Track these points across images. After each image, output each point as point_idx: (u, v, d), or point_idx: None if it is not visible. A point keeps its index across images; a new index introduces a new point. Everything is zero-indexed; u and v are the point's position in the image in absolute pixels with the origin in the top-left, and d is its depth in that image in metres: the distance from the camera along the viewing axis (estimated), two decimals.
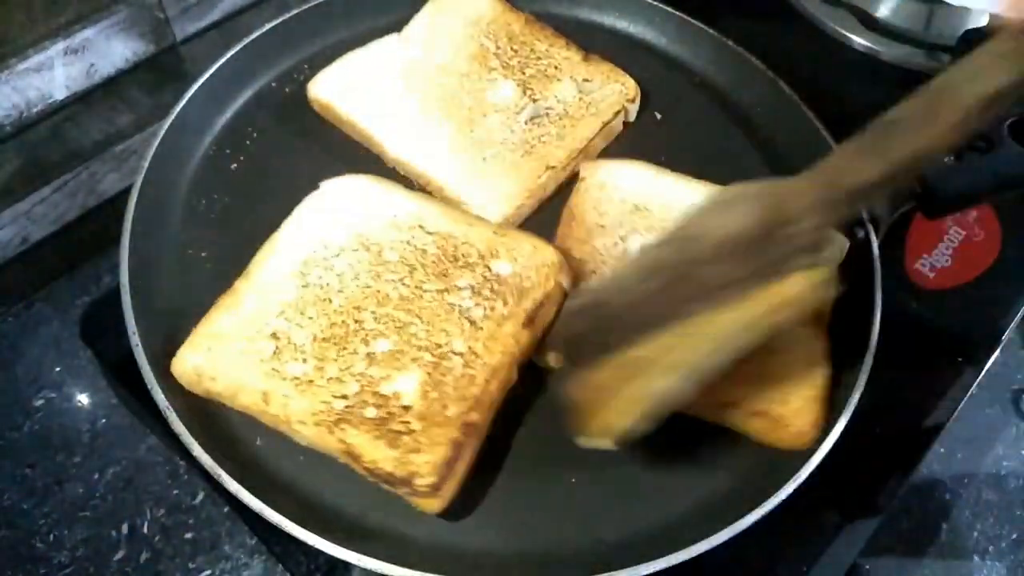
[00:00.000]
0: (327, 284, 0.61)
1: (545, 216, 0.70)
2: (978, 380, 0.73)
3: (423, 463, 0.53)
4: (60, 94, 0.71)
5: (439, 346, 0.58)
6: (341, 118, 0.72)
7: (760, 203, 0.51)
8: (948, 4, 0.79)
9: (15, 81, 0.68)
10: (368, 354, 0.57)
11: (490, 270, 0.61)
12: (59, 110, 0.72)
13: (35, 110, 0.71)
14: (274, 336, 0.58)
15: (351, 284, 0.60)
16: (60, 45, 0.69)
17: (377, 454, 0.53)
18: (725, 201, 0.53)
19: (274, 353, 0.58)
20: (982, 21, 0.82)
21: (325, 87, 0.72)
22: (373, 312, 0.59)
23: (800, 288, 0.50)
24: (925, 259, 0.79)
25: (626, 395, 0.50)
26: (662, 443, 0.59)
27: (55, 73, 0.70)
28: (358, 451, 0.54)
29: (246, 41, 0.73)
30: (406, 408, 0.55)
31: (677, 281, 0.51)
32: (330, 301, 0.60)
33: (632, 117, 0.76)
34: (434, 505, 0.53)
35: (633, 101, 0.75)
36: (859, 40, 0.87)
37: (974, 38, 0.77)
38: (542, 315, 0.59)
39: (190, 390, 0.57)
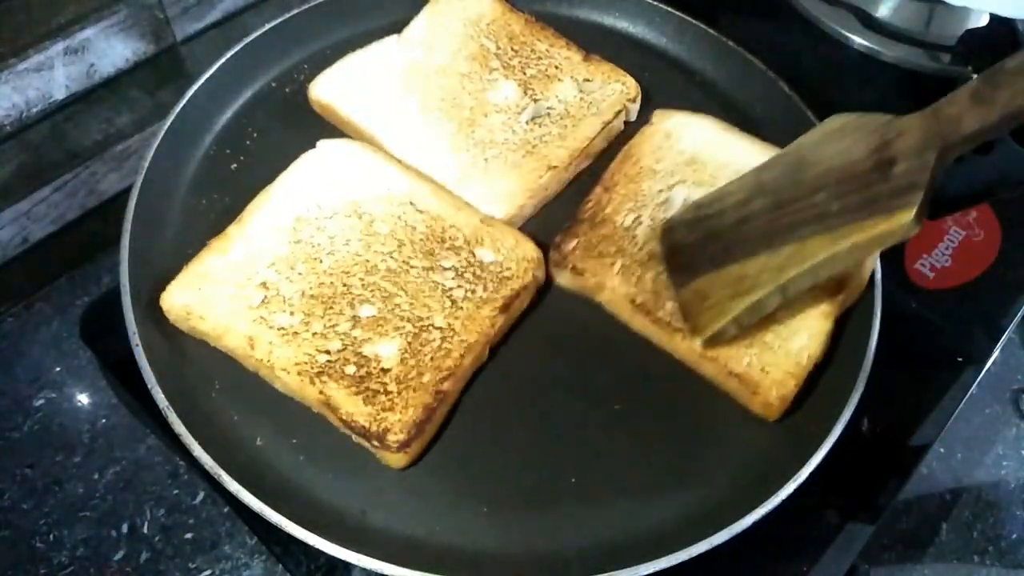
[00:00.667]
0: (318, 244, 0.63)
1: (547, 216, 0.70)
2: (978, 380, 0.73)
3: (396, 421, 0.56)
4: (60, 94, 0.72)
5: (420, 319, 0.60)
6: (342, 119, 0.72)
7: (872, 136, 0.52)
8: (948, 4, 0.79)
9: (15, 81, 0.68)
10: (353, 316, 0.60)
11: (474, 256, 0.63)
12: (59, 110, 0.72)
13: (35, 110, 0.71)
14: (263, 286, 0.61)
15: (342, 249, 0.63)
16: (60, 45, 0.69)
17: (353, 408, 0.56)
18: (837, 129, 0.55)
19: (263, 302, 0.60)
20: (982, 21, 0.82)
21: (326, 88, 0.72)
22: (361, 279, 0.62)
23: (887, 227, 0.51)
24: (925, 259, 0.79)
25: (721, 301, 0.57)
26: (663, 443, 0.60)
27: (55, 73, 0.70)
28: (336, 403, 0.57)
29: (246, 41, 0.73)
30: (385, 371, 0.58)
31: (781, 205, 0.55)
32: (320, 261, 0.62)
33: (633, 117, 0.76)
34: (400, 461, 0.56)
35: (634, 100, 0.75)
36: (859, 40, 0.87)
37: (974, 39, 0.77)
38: (517, 303, 0.62)
39: (176, 326, 0.60)
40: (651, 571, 0.52)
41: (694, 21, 0.81)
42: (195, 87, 0.70)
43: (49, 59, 0.69)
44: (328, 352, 0.58)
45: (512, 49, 0.77)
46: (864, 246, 0.53)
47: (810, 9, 0.90)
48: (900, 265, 0.78)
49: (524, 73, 0.75)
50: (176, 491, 0.64)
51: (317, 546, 0.51)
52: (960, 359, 0.74)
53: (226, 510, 0.63)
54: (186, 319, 0.59)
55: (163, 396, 0.56)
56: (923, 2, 0.85)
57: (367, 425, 0.56)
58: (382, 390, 0.57)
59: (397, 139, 0.70)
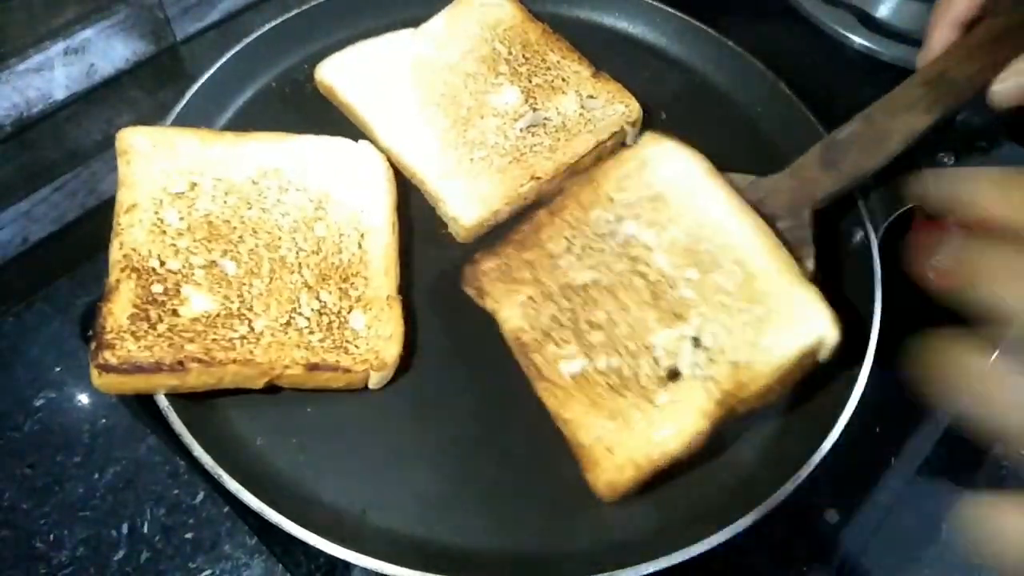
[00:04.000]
0: (265, 197, 0.64)
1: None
2: None
3: (127, 348, 0.54)
4: (60, 94, 0.72)
5: (250, 309, 0.59)
6: (342, 102, 0.72)
7: (745, 195, 0.62)
8: None
9: (15, 81, 0.68)
10: (213, 261, 0.60)
11: (349, 311, 0.61)
12: (59, 110, 0.72)
13: (35, 110, 0.71)
14: (193, 186, 0.63)
15: (274, 214, 0.64)
16: (60, 45, 0.69)
17: (120, 312, 0.56)
18: None
19: (176, 195, 0.62)
20: None
21: (331, 71, 0.73)
22: (255, 244, 0.62)
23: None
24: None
25: None
26: None
27: (55, 73, 0.70)
28: (116, 296, 0.56)
29: (246, 41, 0.74)
30: (174, 312, 0.57)
31: None
32: (249, 207, 0.63)
33: (631, 140, 0.73)
34: (96, 379, 0.54)
35: (634, 124, 0.73)
36: (859, 40, 0.87)
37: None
38: (327, 376, 0.58)
39: (118, 155, 0.63)
40: (651, 571, 0.52)
41: (694, 21, 0.81)
42: (195, 87, 0.70)
43: (49, 59, 0.69)
44: (163, 262, 0.58)
45: (523, 56, 0.76)
46: None
47: (810, 9, 0.90)
48: (901, 265, 0.77)
49: (530, 81, 0.75)
50: (176, 491, 0.64)
51: (317, 546, 0.51)
52: None
53: (226, 510, 0.63)
54: (122, 155, 0.62)
55: (163, 396, 0.56)
56: (922, 2, 0.85)
57: (105, 326, 0.55)
58: (157, 319, 0.56)
59: (389, 128, 0.71)
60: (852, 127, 0.61)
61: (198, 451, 0.54)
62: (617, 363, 0.57)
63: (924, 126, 0.60)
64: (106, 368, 0.54)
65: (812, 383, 0.63)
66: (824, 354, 0.57)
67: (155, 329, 0.56)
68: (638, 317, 0.59)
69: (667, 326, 0.58)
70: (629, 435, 0.55)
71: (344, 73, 0.73)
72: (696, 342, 0.57)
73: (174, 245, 0.60)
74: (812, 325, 0.56)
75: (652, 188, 0.64)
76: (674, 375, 0.56)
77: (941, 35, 0.60)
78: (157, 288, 0.57)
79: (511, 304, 0.61)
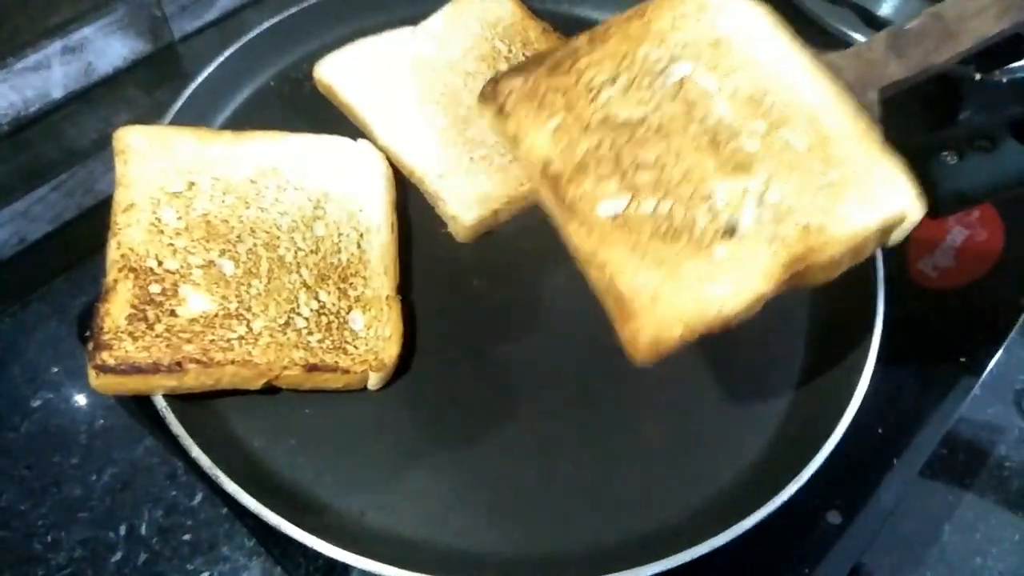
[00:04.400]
0: (263, 196, 0.64)
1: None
2: (981, 380, 0.73)
3: (124, 348, 0.54)
4: (58, 93, 0.71)
5: (249, 308, 0.58)
6: (341, 101, 0.72)
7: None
8: None
9: (13, 80, 0.67)
10: (211, 261, 0.59)
11: (348, 312, 0.60)
12: (57, 109, 0.72)
13: (33, 109, 0.70)
14: (191, 185, 0.62)
15: (272, 213, 0.63)
16: (58, 44, 0.69)
17: (118, 312, 0.55)
18: None
19: (174, 194, 0.61)
20: None
21: (331, 69, 0.73)
22: (254, 244, 0.61)
23: None
24: (928, 259, 0.79)
25: None
26: (664, 444, 0.59)
27: (53, 72, 0.70)
28: (111, 297, 0.56)
29: (244, 40, 0.73)
30: (172, 313, 0.56)
31: None
32: (248, 207, 0.63)
33: None
34: (94, 379, 0.54)
35: None
36: (861, 39, 0.87)
37: None
38: (326, 376, 0.58)
39: (115, 154, 0.62)
40: (652, 573, 0.51)
41: None
42: (193, 86, 0.70)
43: (47, 58, 0.69)
44: (160, 262, 0.58)
45: (524, 55, 0.76)
46: None
47: (812, 7, 0.89)
48: (903, 265, 0.77)
49: None
50: (174, 492, 0.64)
51: (315, 548, 0.51)
52: (963, 359, 0.74)
53: (224, 511, 0.63)
54: (119, 154, 0.61)
55: (161, 397, 0.55)
56: (925, 0, 0.85)
57: (103, 326, 0.54)
58: (155, 319, 0.56)
59: (388, 126, 0.70)
60: (921, 20, 0.57)
61: (196, 452, 0.54)
62: (668, 207, 0.50)
63: (994, 32, 0.56)
64: (103, 369, 0.54)
65: (814, 383, 0.63)
66: (899, 234, 0.52)
67: (153, 329, 0.56)
68: (695, 162, 0.51)
69: (728, 176, 0.51)
70: (679, 287, 0.48)
71: (343, 72, 0.73)
72: (761, 199, 0.50)
73: (172, 245, 0.59)
74: (895, 197, 0.51)
75: (713, 32, 0.57)
76: (734, 230, 0.50)
77: None
78: (155, 288, 0.57)
79: (539, 129, 0.52)
